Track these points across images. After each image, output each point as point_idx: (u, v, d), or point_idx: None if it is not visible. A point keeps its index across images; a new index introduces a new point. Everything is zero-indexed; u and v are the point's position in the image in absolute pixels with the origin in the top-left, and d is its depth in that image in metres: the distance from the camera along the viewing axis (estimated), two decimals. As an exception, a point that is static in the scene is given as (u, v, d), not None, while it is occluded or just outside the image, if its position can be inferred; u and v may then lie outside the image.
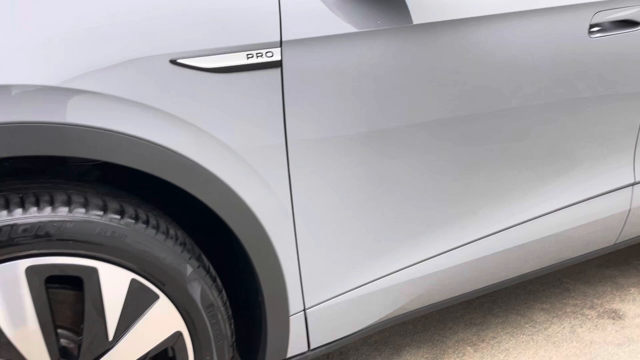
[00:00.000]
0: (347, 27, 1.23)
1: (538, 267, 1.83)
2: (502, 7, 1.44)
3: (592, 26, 1.57)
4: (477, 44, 1.41)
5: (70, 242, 1.03)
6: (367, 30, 1.25)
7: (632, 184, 1.80)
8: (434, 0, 1.36)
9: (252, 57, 1.11)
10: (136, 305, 1.11)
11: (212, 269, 1.22)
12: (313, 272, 1.33)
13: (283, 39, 1.14)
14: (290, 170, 1.21)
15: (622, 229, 1.86)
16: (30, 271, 1.01)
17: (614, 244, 1.92)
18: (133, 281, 1.09)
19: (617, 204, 1.81)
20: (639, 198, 1.83)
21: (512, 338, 1.95)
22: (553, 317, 2.06)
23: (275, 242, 1.23)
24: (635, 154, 1.78)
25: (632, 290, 2.20)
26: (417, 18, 1.32)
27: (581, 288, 2.24)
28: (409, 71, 1.32)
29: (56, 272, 1.04)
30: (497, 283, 1.79)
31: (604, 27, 1.61)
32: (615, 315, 2.06)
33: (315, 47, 1.20)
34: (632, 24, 1.64)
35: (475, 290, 1.75)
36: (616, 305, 2.12)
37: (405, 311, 1.62)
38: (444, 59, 1.37)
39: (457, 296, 1.73)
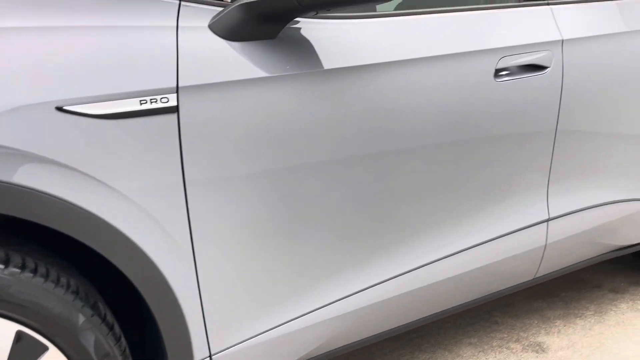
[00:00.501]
0: (251, 72, 1.24)
1: (463, 301, 1.85)
2: (409, 53, 1.48)
3: (498, 70, 1.62)
4: (386, 88, 1.44)
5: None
6: (273, 75, 1.27)
7: (547, 220, 1.85)
8: (342, 46, 1.39)
9: (146, 103, 1.10)
10: (22, 357, 1.06)
11: (108, 317, 1.19)
12: (218, 317, 1.30)
13: (180, 85, 1.14)
14: (190, 214, 1.20)
15: (540, 263, 1.90)
16: None
17: (534, 278, 1.95)
18: (19, 333, 1.05)
19: (533, 239, 1.85)
20: (554, 234, 1.88)
21: (438, 374, 1.95)
22: (479, 351, 2.07)
23: (175, 287, 1.21)
24: (548, 191, 1.83)
25: (558, 322, 2.24)
26: (327, 64, 1.35)
27: (509, 321, 2.27)
28: (315, 113, 1.34)
29: None
30: (423, 317, 1.80)
31: (512, 71, 1.67)
32: (539, 349, 2.08)
33: (218, 92, 1.20)
34: (538, 68, 1.70)
35: (401, 325, 1.76)
36: (541, 338, 2.15)
37: (324, 351, 1.60)
38: (351, 102, 1.39)
39: (382, 332, 1.73)
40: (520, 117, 1.68)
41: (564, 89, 1.75)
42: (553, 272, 2.00)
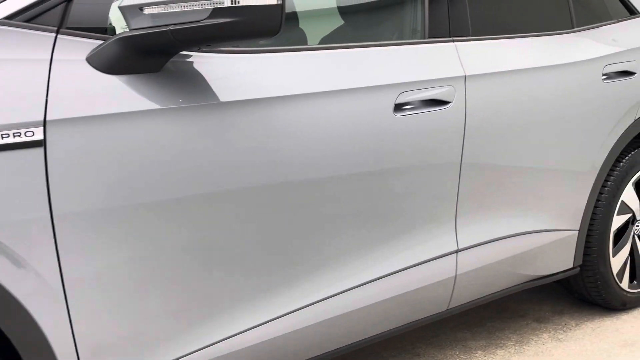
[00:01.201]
0: (129, 105, 1.23)
1: (378, 331, 1.83)
2: (302, 88, 1.49)
3: (398, 105, 1.64)
4: (278, 122, 1.44)
5: None
6: (154, 108, 1.26)
7: (456, 251, 1.86)
8: (233, 81, 1.39)
9: (8, 137, 1.08)
10: None
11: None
12: (95, 357, 1.26)
13: (48, 118, 1.13)
14: (60, 253, 1.17)
15: (452, 294, 1.90)
16: None
17: (448, 309, 1.95)
18: None
19: (443, 270, 1.85)
20: (464, 264, 1.89)
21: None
22: (398, 383, 2.05)
23: (45, 328, 1.17)
24: (456, 223, 1.84)
25: (479, 353, 2.23)
26: (215, 97, 1.35)
27: (432, 352, 2.25)
28: (199, 146, 1.33)
29: None
30: (339, 348, 1.77)
31: (415, 106, 1.68)
32: (457, 380, 2.07)
33: (91, 125, 1.19)
34: (440, 102, 1.73)
35: (319, 355, 1.73)
36: (461, 369, 2.14)
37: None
38: (238, 136, 1.39)
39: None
40: (424, 150, 1.70)
41: (468, 123, 1.78)
42: (469, 302, 2.01)
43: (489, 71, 1.84)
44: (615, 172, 2.33)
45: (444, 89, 1.71)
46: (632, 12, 2.53)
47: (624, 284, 2.47)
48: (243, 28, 1.15)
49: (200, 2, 1.11)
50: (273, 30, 1.17)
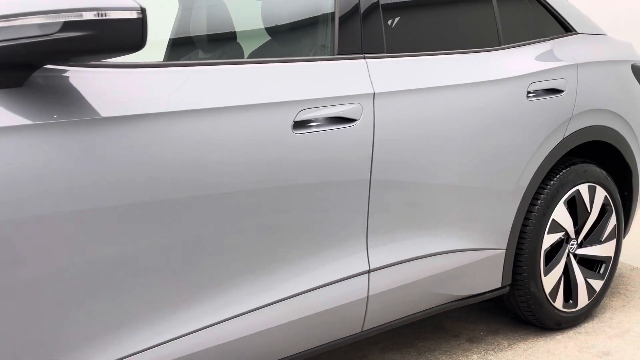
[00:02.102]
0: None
1: (289, 354, 1.76)
2: (192, 104, 1.43)
3: (298, 122, 1.58)
4: (161, 138, 1.38)
5: None
6: (13, 125, 1.19)
7: (368, 272, 1.80)
8: (110, 96, 1.33)
9: None
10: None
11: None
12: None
13: None
14: None
15: (365, 315, 1.84)
16: None
17: (363, 331, 1.88)
18: None
19: (354, 291, 1.79)
20: (377, 285, 1.82)
21: None
22: (316, 406, 1.98)
23: None
24: (367, 242, 1.79)
25: (404, 374, 2.18)
26: (88, 113, 1.29)
27: (357, 373, 2.19)
28: (69, 163, 1.27)
29: None
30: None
31: (320, 123, 1.63)
32: (377, 403, 2.00)
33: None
34: (346, 120, 1.68)
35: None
36: (383, 391, 2.07)
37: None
38: (131, 151, 1.33)
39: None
40: (327, 168, 1.64)
41: (377, 141, 1.72)
42: (386, 323, 1.94)
43: (402, 88, 1.79)
44: (545, 190, 2.29)
45: (349, 107, 1.66)
46: (567, 29, 2.52)
47: (558, 303, 2.42)
48: (99, 42, 1.10)
49: (51, 15, 1.06)
50: (134, 45, 1.12)
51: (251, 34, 2.36)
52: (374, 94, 1.72)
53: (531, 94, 2.15)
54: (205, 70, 1.50)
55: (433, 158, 1.87)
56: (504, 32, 2.23)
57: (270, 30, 2.03)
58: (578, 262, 2.53)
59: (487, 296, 2.21)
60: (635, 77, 2.62)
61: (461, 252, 2.03)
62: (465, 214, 2.02)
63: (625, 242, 3.75)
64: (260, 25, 2.04)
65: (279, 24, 1.93)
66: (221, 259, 1.53)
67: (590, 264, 2.59)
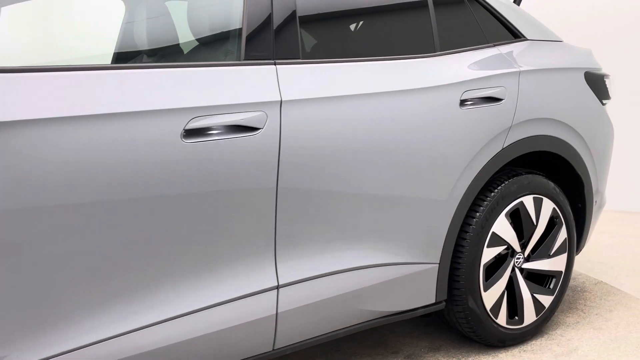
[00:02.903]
0: None
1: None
2: (72, 110, 1.36)
3: (190, 131, 1.50)
4: (44, 144, 1.32)
5: None
6: None
7: (276, 287, 1.71)
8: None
9: None
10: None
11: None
12: None
13: None
14: None
15: (276, 333, 1.75)
16: None
17: (275, 350, 1.79)
18: None
19: (262, 307, 1.70)
20: (287, 302, 1.73)
21: None
22: None
23: None
24: (276, 257, 1.70)
25: (332, 393, 2.08)
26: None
27: (283, 391, 2.10)
28: None
29: None
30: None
31: (221, 131, 1.55)
32: None
33: None
34: (248, 128, 1.59)
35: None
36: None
37: None
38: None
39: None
40: (226, 178, 1.56)
41: (284, 151, 1.64)
42: (303, 341, 1.84)
43: (315, 96, 1.71)
44: (484, 202, 2.19)
45: (251, 114, 1.58)
46: (516, 35, 2.42)
47: (501, 319, 2.31)
48: None
49: None
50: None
51: (188, 38, 2.29)
52: (281, 101, 1.63)
53: (465, 103, 2.06)
54: (93, 75, 1.42)
55: (350, 168, 1.78)
56: (441, 38, 2.14)
57: (193, 35, 1.96)
58: (526, 277, 2.44)
59: (420, 312, 2.11)
60: (589, 86, 2.52)
61: (387, 267, 1.94)
62: (390, 227, 1.92)
63: (591, 254, 3.64)
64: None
65: (196, 28, 1.86)
66: (108, 273, 1.45)
67: (540, 279, 2.49)
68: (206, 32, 1.81)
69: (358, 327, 1.98)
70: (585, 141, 2.46)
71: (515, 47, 2.35)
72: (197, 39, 1.83)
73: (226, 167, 1.54)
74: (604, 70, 2.73)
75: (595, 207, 2.62)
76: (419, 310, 2.11)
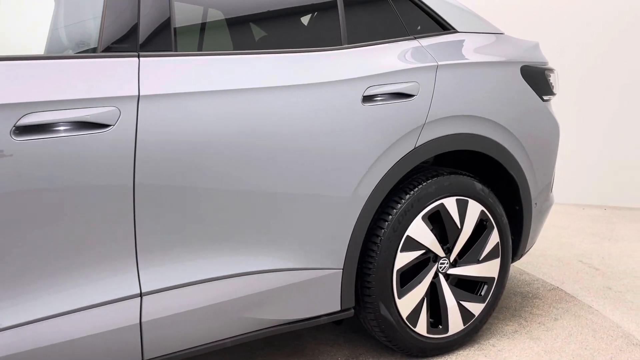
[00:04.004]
0: None
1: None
2: None
3: (21, 128, 1.38)
4: None
5: None
6: None
7: (139, 295, 1.59)
8: None
9: None
10: None
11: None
12: None
13: None
14: None
15: (142, 344, 1.63)
16: None
17: (146, 360, 1.68)
18: None
19: (125, 316, 1.58)
20: (152, 311, 1.61)
21: None
22: None
23: None
24: (137, 261, 1.58)
25: (227, 404, 1.96)
26: None
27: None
28: None
29: None
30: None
31: (68, 128, 1.43)
32: None
33: None
34: (98, 125, 1.48)
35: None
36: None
37: None
38: None
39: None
40: (68, 177, 1.44)
41: (141, 148, 1.51)
42: (181, 351, 1.72)
43: (183, 90, 1.59)
44: (398, 203, 2.04)
45: (101, 110, 1.46)
46: (444, 27, 2.27)
47: (421, 328, 2.16)
48: None
49: None
50: None
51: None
52: (138, 96, 1.51)
53: (370, 99, 1.91)
54: None
55: (227, 166, 1.65)
56: (350, 30, 2.00)
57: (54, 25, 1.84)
58: (455, 284, 2.28)
59: (324, 320, 1.97)
60: (526, 81, 2.35)
61: (279, 273, 1.80)
62: (282, 230, 1.78)
63: (549, 259, 3.47)
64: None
65: (69, 19, 1.76)
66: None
67: (471, 286, 2.33)
68: (78, 23, 1.70)
69: (251, 335, 1.84)
70: (520, 140, 2.29)
71: (439, 40, 2.19)
72: (72, 30, 1.73)
73: (70, 165, 1.43)
74: (549, 65, 2.55)
75: (535, 210, 2.45)
76: (322, 318, 1.97)
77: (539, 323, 2.54)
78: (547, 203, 2.57)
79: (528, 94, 2.35)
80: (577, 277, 3.19)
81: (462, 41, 2.25)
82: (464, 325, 2.27)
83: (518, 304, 2.75)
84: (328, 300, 1.95)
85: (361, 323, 2.19)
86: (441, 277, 2.20)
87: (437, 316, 2.22)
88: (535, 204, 2.44)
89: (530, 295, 2.87)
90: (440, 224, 2.17)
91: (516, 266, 3.29)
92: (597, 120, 5.13)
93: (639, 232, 4.20)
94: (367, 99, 1.90)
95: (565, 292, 2.90)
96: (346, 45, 1.96)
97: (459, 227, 2.18)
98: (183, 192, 1.59)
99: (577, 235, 4.07)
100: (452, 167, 2.31)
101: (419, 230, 2.08)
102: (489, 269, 2.31)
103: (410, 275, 2.14)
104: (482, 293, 2.32)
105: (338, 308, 1.98)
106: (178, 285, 1.63)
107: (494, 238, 2.29)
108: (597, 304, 2.77)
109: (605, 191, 5.14)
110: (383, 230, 2.02)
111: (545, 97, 2.44)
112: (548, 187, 2.54)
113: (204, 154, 1.61)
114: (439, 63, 2.07)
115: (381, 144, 1.92)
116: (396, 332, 2.10)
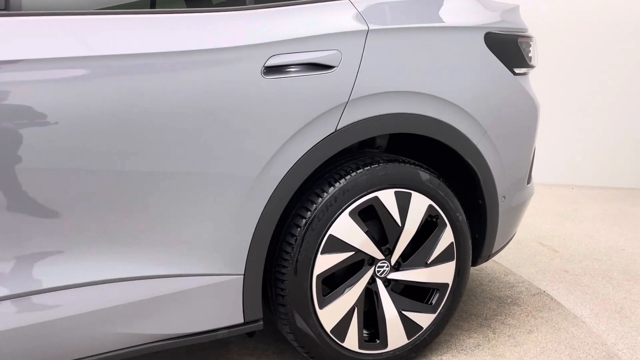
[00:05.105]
0: None
1: None
2: None
3: None
4: None
5: None
6: None
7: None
8: None
9: None
10: None
11: None
12: None
13: None
14: None
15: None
16: None
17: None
18: None
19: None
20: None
21: None
22: None
23: None
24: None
25: None
26: None
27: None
28: None
29: None
30: None
31: None
32: None
33: None
34: None
35: None
36: None
37: None
38: None
39: None
40: None
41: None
42: None
43: (16, 58, 1.29)
44: (319, 197, 1.71)
45: None
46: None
47: (350, 343, 1.82)
48: None
49: None
50: None
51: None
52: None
53: (276, 70, 1.57)
54: None
55: (68, 150, 1.34)
56: (260, -13, 1.65)
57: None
58: (399, 291, 1.94)
59: (224, 334, 1.66)
60: (491, 50, 1.95)
61: (154, 280, 1.50)
62: (154, 228, 1.47)
63: (536, 261, 3.08)
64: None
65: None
66: None
67: (422, 293, 1.98)
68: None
69: (126, 352, 1.54)
70: (479, 122, 1.90)
71: (380, 1, 1.81)
72: None
73: None
74: (527, 32, 2.14)
75: (504, 204, 2.06)
76: (221, 332, 1.65)
77: (509, 336, 2.17)
78: (521, 196, 2.17)
79: (493, 66, 1.94)
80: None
81: (412, 2, 1.87)
82: (409, 339, 1.92)
83: (491, 312, 2.38)
84: (226, 311, 1.63)
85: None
86: (379, 282, 1.85)
87: (376, 328, 1.89)
88: (504, 197, 2.05)
89: (509, 301, 2.49)
90: (377, 220, 1.82)
91: (503, 265, 2.90)
92: (570, 97, 4.96)
93: (604, 212, 4.02)
94: (271, 70, 1.55)
95: (551, 298, 2.51)
96: (252, 6, 1.62)
97: (399, 224, 1.82)
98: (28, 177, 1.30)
99: (540, 216, 3.84)
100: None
101: (346, 228, 1.73)
102: (441, 273, 1.94)
103: (341, 281, 1.81)
104: (434, 302, 1.97)
105: (240, 320, 1.66)
106: (14, 295, 1.35)
107: (446, 237, 1.92)
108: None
109: (573, 170, 4.99)
110: (299, 229, 1.68)
111: (517, 71, 2.03)
112: (522, 178, 2.15)
113: (42, 134, 1.31)
114: (371, 27, 1.69)
115: (289, 126, 1.58)
116: (318, 348, 1.78)
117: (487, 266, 2.89)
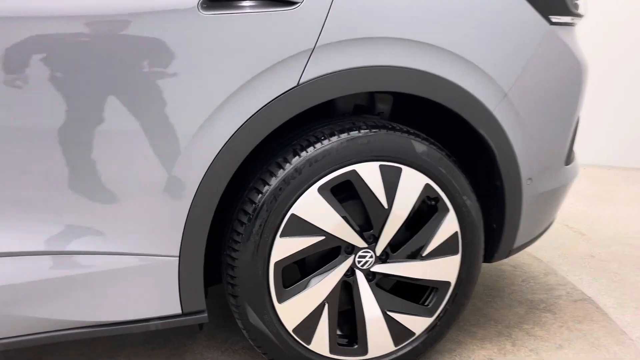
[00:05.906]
0: None
1: None
2: None
3: None
4: None
5: None
6: None
7: None
8: None
9: None
10: None
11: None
12: None
13: None
14: None
15: None
16: None
17: None
18: None
19: None
20: None
21: None
22: None
23: None
24: None
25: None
26: None
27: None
28: None
29: None
30: None
31: None
32: None
33: None
34: None
35: None
36: None
37: None
38: None
39: None
40: None
41: None
42: None
43: None
44: (280, 169, 1.38)
45: None
46: None
47: (318, 346, 1.49)
48: None
49: None
50: None
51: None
52: None
53: (218, 4, 1.25)
54: None
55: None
56: None
57: None
58: (389, 288, 1.59)
59: (157, 325, 1.37)
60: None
61: (59, 256, 1.25)
62: (60, 192, 1.22)
63: (559, 244, 2.70)
64: None
65: None
66: None
67: (417, 291, 1.62)
68: None
69: (24, 340, 1.30)
70: (496, 81, 1.50)
71: None
72: None
73: None
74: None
75: (529, 188, 1.65)
76: (153, 323, 1.38)
77: (531, 350, 1.76)
78: (556, 179, 1.74)
79: (520, 11, 1.53)
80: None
81: None
82: (396, 346, 1.58)
83: (516, 318, 1.97)
84: (157, 299, 1.35)
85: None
86: (359, 275, 1.51)
87: (353, 330, 1.56)
88: (530, 179, 1.64)
89: (542, 306, 2.06)
90: (356, 200, 1.48)
91: (544, 262, 2.46)
92: (612, 75, 4.34)
93: (639, 195, 3.57)
94: (213, 4, 1.24)
95: (596, 307, 2.05)
96: None
97: (384, 206, 1.46)
98: None
99: (570, 197, 3.35)
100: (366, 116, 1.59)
101: (313, 207, 1.39)
102: (441, 269, 1.57)
103: (302, 271, 1.49)
104: (431, 304, 1.60)
105: (178, 311, 1.39)
106: None
107: (448, 225, 1.54)
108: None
109: (610, 150, 4.42)
110: (254, 205, 1.38)
111: (555, 19, 1.60)
112: (557, 156, 1.71)
113: None
114: (348, -46, 1.34)
115: (234, 77, 1.26)
116: (277, 350, 1.47)
117: (524, 263, 2.46)
